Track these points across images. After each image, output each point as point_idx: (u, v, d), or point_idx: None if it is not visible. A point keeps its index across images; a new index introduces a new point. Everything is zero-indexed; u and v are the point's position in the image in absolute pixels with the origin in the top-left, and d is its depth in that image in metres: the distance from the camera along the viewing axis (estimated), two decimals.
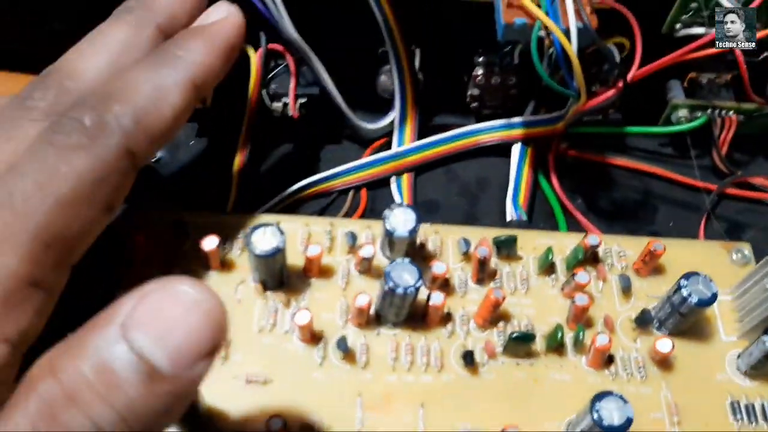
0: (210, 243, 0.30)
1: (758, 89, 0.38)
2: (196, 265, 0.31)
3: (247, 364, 0.29)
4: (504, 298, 0.29)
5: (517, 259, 0.33)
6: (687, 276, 0.29)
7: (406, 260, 0.28)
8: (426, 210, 0.38)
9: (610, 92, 0.34)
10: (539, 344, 0.30)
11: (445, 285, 0.31)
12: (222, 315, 0.19)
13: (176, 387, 0.19)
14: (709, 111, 0.39)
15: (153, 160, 0.38)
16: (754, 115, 0.39)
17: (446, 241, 0.33)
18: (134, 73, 0.26)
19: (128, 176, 0.25)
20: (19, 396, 0.19)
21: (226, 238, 0.32)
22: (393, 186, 0.38)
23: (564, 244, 0.33)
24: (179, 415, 0.20)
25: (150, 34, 0.28)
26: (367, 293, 0.29)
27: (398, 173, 0.38)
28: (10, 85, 0.39)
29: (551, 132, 0.38)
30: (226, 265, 0.31)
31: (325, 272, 0.31)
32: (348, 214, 0.37)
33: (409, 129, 0.39)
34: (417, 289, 0.28)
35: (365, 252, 0.30)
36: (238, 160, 0.36)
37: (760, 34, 0.32)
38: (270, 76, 0.37)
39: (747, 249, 0.34)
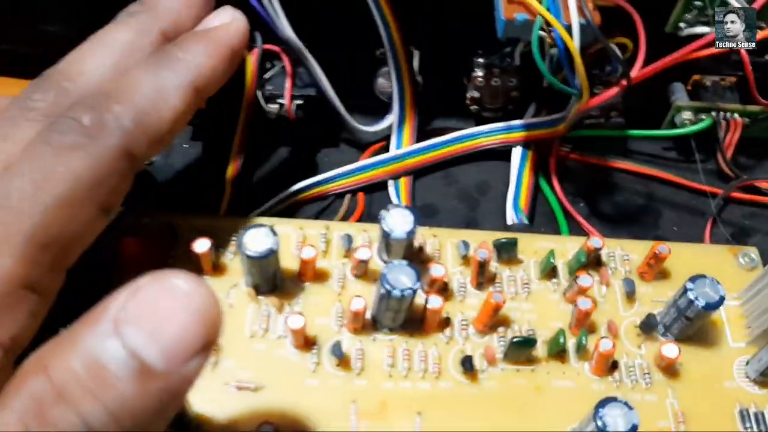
0: (202, 246, 0.29)
1: (764, 91, 0.37)
2: (187, 269, 0.29)
3: (238, 371, 0.28)
4: (504, 302, 0.28)
5: (517, 263, 0.32)
6: (693, 279, 0.28)
7: (403, 262, 0.27)
8: (425, 214, 0.37)
9: (613, 91, 0.33)
10: (541, 350, 0.29)
11: (443, 289, 0.30)
12: (216, 310, 0.19)
13: (169, 384, 0.18)
14: (713, 113, 0.38)
15: (147, 164, 0.38)
16: (759, 117, 0.38)
17: (445, 244, 0.32)
18: (135, 74, 0.26)
19: (126, 178, 0.25)
20: (9, 392, 0.18)
21: (219, 241, 0.31)
22: (391, 190, 0.37)
23: (566, 247, 0.32)
24: (173, 414, 0.19)
25: (153, 39, 0.28)
26: (363, 297, 0.28)
27: (396, 177, 0.38)
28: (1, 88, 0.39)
29: (552, 134, 0.37)
30: (218, 269, 0.30)
31: (320, 276, 0.31)
32: (345, 218, 0.36)
33: (408, 132, 0.38)
34: (414, 292, 0.27)
35: (361, 254, 0.30)
36: (233, 162, 0.36)
37: (764, 34, 0.32)
38: (266, 77, 0.36)
39: (754, 253, 0.33)
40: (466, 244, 0.31)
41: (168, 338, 0.18)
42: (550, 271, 0.31)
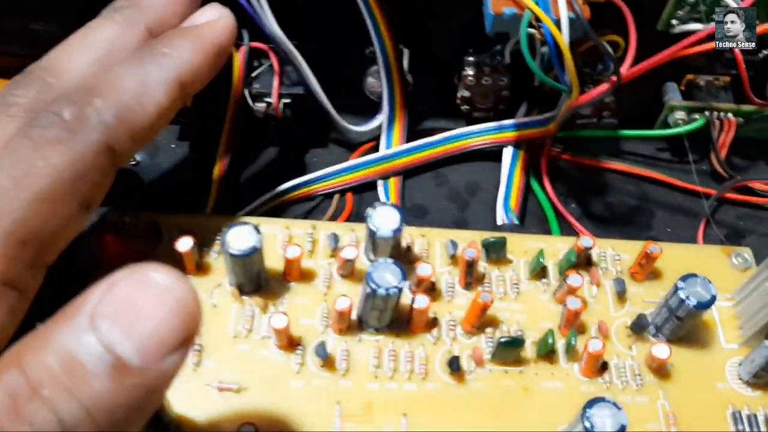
0: (184, 244, 0.28)
1: (758, 91, 0.36)
2: None
3: (220, 372, 0.27)
4: (492, 302, 0.28)
5: (506, 263, 0.31)
6: (684, 278, 0.28)
7: (389, 260, 0.27)
8: (414, 215, 0.37)
9: (603, 87, 0.33)
10: (529, 351, 0.29)
11: (431, 289, 0.30)
12: (195, 305, 0.18)
13: (146, 380, 0.18)
14: (707, 113, 0.37)
15: (133, 164, 0.37)
16: (753, 117, 0.38)
17: (433, 244, 0.32)
18: (118, 69, 0.25)
19: (108, 174, 0.24)
20: None
21: (203, 240, 0.30)
22: (380, 190, 0.37)
23: (556, 247, 0.32)
24: (151, 411, 0.19)
25: (138, 34, 0.28)
26: (348, 297, 0.27)
27: (385, 177, 0.37)
28: None
29: (543, 133, 0.37)
30: (202, 269, 0.30)
31: (306, 276, 0.30)
32: (333, 219, 0.36)
33: (398, 131, 0.38)
34: (400, 290, 0.26)
35: (347, 253, 0.29)
36: (220, 162, 0.35)
37: (760, 29, 0.31)
38: (253, 75, 0.36)
39: (748, 253, 0.32)
40: (454, 244, 0.31)
41: (144, 333, 0.17)
42: (539, 271, 0.31)
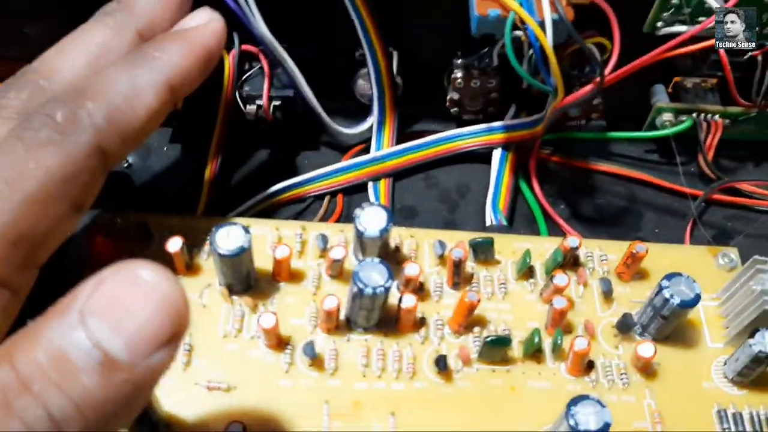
0: (174, 245, 0.29)
1: (744, 92, 0.37)
2: None
3: (210, 371, 0.27)
4: (479, 301, 0.28)
5: (494, 263, 0.31)
6: (669, 277, 0.28)
7: (376, 260, 0.27)
8: (404, 216, 0.37)
9: (588, 87, 0.33)
10: (516, 350, 0.29)
11: (419, 289, 0.30)
12: (183, 302, 0.18)
13: (134, 376, 0.18)
14: (694, 115, 0.38)
15: (125, 166, 0.37)
16: (740, 119, 0.38)
17: (422, 244, 0.32)
18: (109, 72, 0.26)
19: (99, 175, 0.25)
20: None
21: (194, 241, 0.30)
22: (370, 191, 0.37)
23: (543, 247, 0.32)
24: (140, 407, 0.19)
25: (129, 38, 0.28)
26: (336, 296, 0.28)
27: (376, 178, 0.37)
28: None
29: (531, 135, 0.37)
30: (192, 269, 0.30)
31: (295, 276, 0.30)
32: (323, 220, 0.36)
33: (388, 133, 0.38)
34: (387, 290, 0.27)
35: (335, 254, 0.29)
36: (210, 164, 0.35)
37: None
38: (244, 78, 0.36)
39: (734, 253, 0.33)
40: (442, 244, 0.31)
41: (132, 329, 0.18)
42: (526, 272, 0.31)
